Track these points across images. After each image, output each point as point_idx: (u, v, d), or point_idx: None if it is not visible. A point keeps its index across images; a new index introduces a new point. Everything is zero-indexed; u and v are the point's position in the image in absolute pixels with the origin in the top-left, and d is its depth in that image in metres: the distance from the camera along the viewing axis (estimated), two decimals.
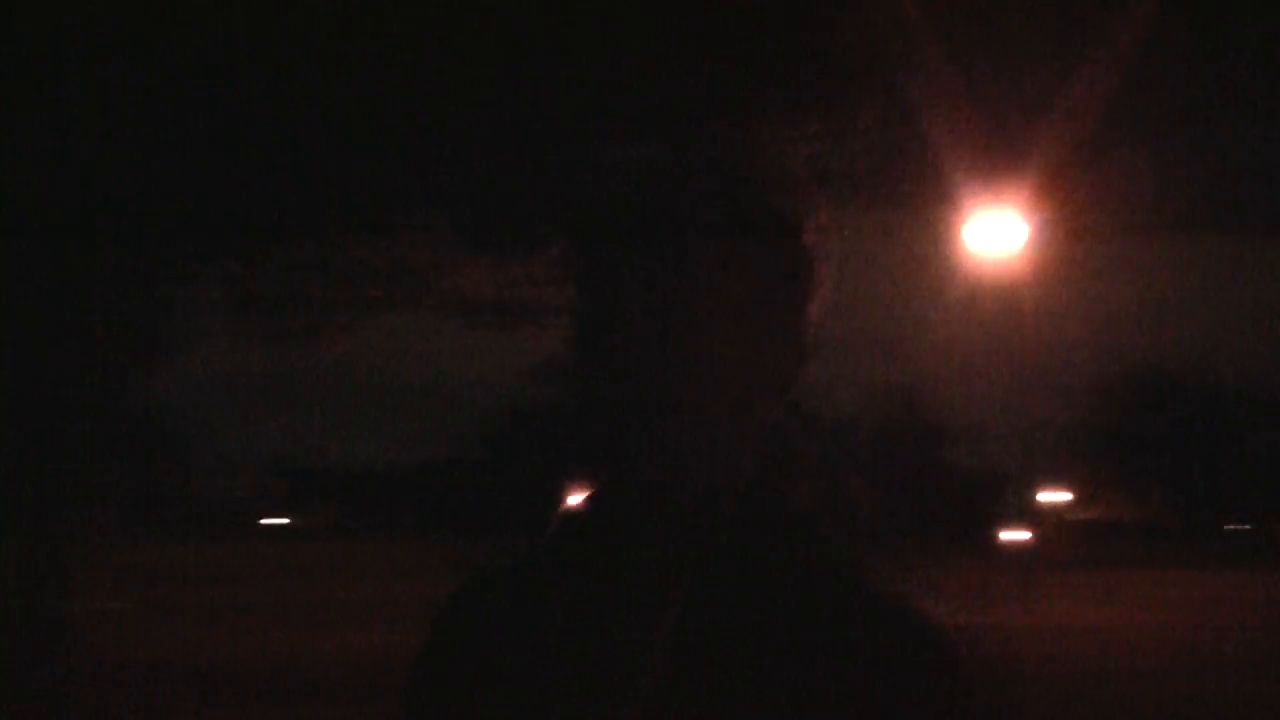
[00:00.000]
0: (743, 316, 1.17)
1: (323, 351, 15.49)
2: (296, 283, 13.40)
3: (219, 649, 15.70)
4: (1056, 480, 63.94)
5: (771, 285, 1.18)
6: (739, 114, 10.63)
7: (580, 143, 10.86)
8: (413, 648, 1.28)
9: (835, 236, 1.24)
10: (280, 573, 33.89)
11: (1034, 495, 37.94)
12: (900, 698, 1.12)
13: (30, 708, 10.63)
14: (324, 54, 10.75)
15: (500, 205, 12.53)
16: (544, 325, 13.38)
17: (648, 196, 1.19)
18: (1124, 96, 13.11)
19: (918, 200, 14.26)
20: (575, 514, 1.25)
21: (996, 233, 23.72)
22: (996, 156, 13.80)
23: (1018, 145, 14.85)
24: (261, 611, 20.90)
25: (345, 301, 13.79)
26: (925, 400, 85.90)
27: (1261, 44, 12.94)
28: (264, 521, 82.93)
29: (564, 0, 11.06)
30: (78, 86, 10.87)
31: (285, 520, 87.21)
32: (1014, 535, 32.10)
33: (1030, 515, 32.68)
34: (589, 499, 1.24)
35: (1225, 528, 72.11)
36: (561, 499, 1.28)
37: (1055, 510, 63.70)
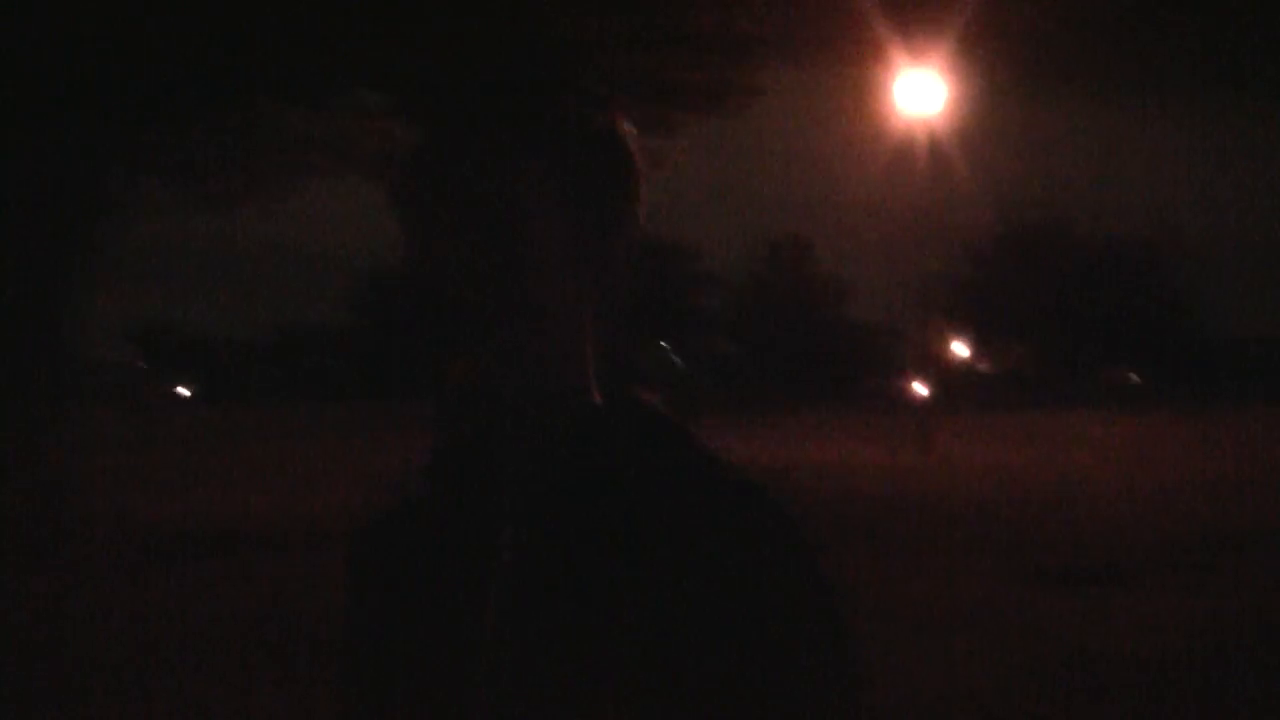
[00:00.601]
0: (567, 222, 1.18)
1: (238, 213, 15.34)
2: (229, 149, 13.30)
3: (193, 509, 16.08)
4: (952, 333, 65.53)
5: (593, 189, 1.19)
6: None
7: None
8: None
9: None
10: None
11: (933, 348, 39.05)
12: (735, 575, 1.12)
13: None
14: None
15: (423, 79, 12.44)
16: None
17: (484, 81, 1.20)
18: None
19: (841, 58, 14.37)
20: (448, 438, 1.26)
21: (916, 92, 24.00)
22: (920, 16, 13.94)
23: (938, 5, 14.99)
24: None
25: (277, 167, 13.74)
26: (824, 255, 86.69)
27: None
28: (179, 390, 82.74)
29: None
30: None
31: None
32: (916, 387, 33.18)
33: (929, 367, 33.70)
34: (453, 414, 1.24)
35: (1104, 376, 74.59)
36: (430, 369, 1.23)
37: (954, 362, 65.37)
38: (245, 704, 6.72)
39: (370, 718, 1.25)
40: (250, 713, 6.60)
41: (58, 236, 11.56)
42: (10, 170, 11.38)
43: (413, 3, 11.15)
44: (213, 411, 61.53)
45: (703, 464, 1.17)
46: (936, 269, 39.59)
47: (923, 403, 30.37)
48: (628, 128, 1.22)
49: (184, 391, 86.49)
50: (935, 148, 26.03)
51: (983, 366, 77.10)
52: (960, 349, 69.63)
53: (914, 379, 34.45)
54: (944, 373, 40.90)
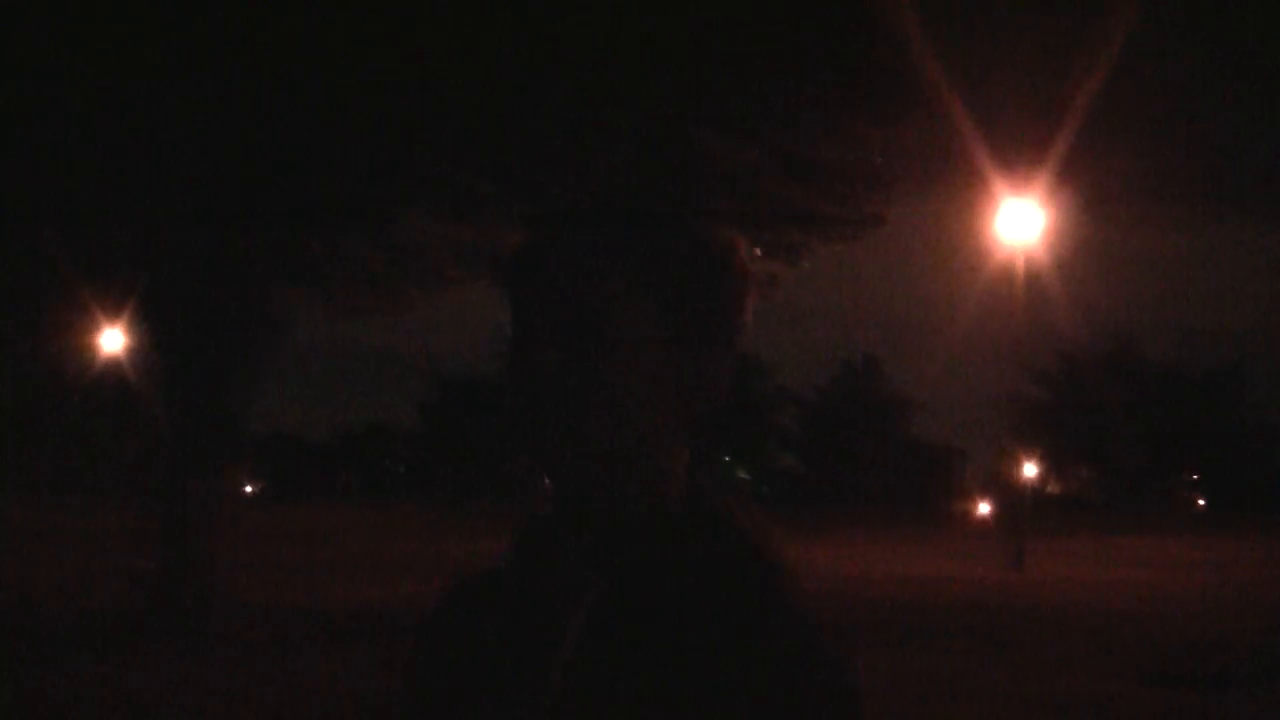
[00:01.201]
0: (660, 337, 1.19)
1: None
2: (379, 261, 14.19)
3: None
4: (1022, 453, 65.09)
5: (691, 307, 1.20)
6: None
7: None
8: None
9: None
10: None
11: (1000, 469, 39.01)
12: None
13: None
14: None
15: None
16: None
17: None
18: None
19: (949, 189, 15.10)
20: (538, 519, 1.27)
21: (1016, 220, 24.74)
22: (1017, 149, 14.76)
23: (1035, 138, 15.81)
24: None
25: (418, 278, 14.58)
26: (895, 374, 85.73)
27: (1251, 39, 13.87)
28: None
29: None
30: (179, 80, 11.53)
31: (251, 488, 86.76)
32: (980, 508, 33.23)
33: (994, 489, 33.75)
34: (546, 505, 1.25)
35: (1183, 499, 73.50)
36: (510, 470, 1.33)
37: (1020, 484, 64.92)
38: None
39: None
40: None
41: (234, 341, 12.65)
42: (207, 279, 12.54)
43: (571, 121, 11.81)
44: (282, 508, 62.15)
45: (765, 596, 1.16)
46: (1010, 390, 39.73)
47: (1010, 521, 30.37)
48: (748, 250, 1.25)
49: (247, 488, 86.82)
50: (1031, 273, 26.70)
51: (1051, 489, 76.59)
52: (1029, 470, 69.24)
53: (981, 499, 34.58)
54: (1010, 493, 40.96)
